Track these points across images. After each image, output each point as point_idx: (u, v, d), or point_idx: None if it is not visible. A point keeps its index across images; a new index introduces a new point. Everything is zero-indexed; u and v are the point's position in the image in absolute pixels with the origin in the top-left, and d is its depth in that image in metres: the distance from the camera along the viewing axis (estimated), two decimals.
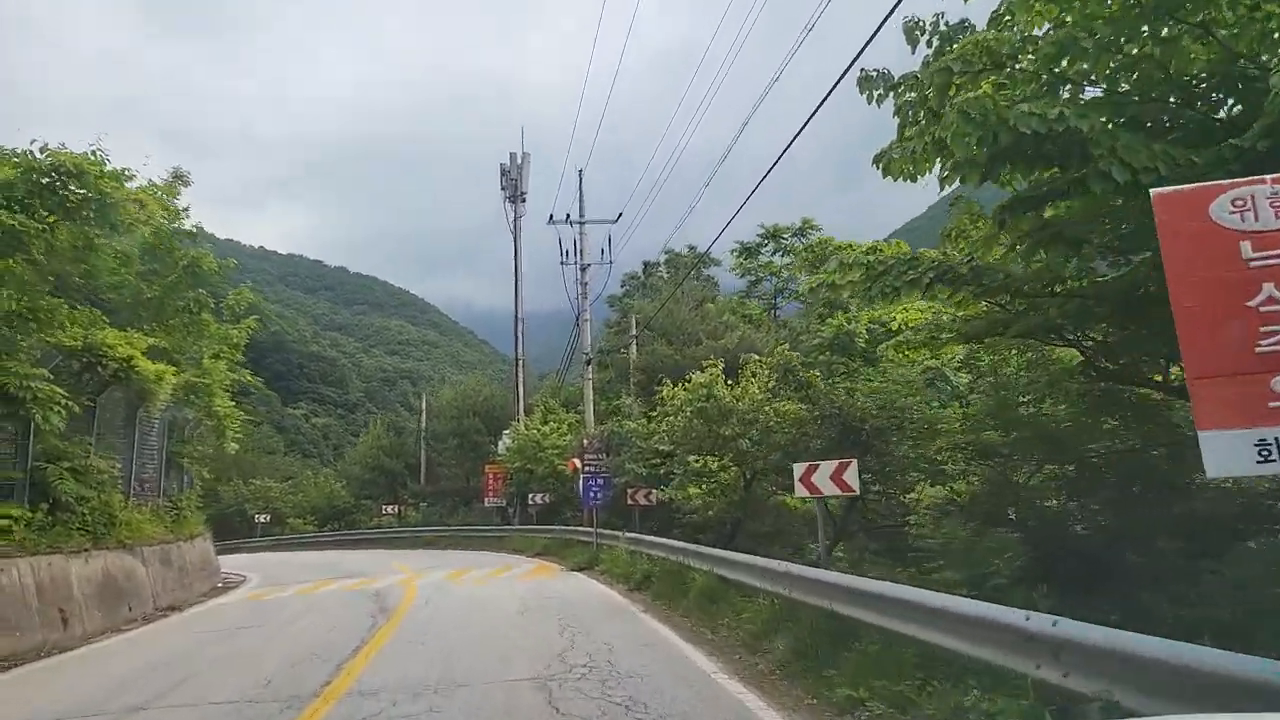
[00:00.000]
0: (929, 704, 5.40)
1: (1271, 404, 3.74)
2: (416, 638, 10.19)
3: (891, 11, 8.88)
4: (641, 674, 7.59)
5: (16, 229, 9.65)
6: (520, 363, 32.45)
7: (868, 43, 9.47)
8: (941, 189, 8.59)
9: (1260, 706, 3.34)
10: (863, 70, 8.06)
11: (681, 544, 13.12)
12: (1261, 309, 3.87)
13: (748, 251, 26.16)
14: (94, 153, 10.76)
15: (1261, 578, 6.98)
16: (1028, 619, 5.17)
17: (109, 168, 10.85)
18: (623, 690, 6.92)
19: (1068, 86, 7.16)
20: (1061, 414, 10.94)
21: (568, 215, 30.45)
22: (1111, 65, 6.68)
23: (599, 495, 20.16)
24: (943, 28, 7.67)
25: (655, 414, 14.14)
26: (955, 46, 7.13)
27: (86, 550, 13.63)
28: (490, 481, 33.25)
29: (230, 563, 29.34)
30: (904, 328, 12.13)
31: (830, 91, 9.83)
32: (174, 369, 15.50)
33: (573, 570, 18.73)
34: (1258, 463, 3.71)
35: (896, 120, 8.18)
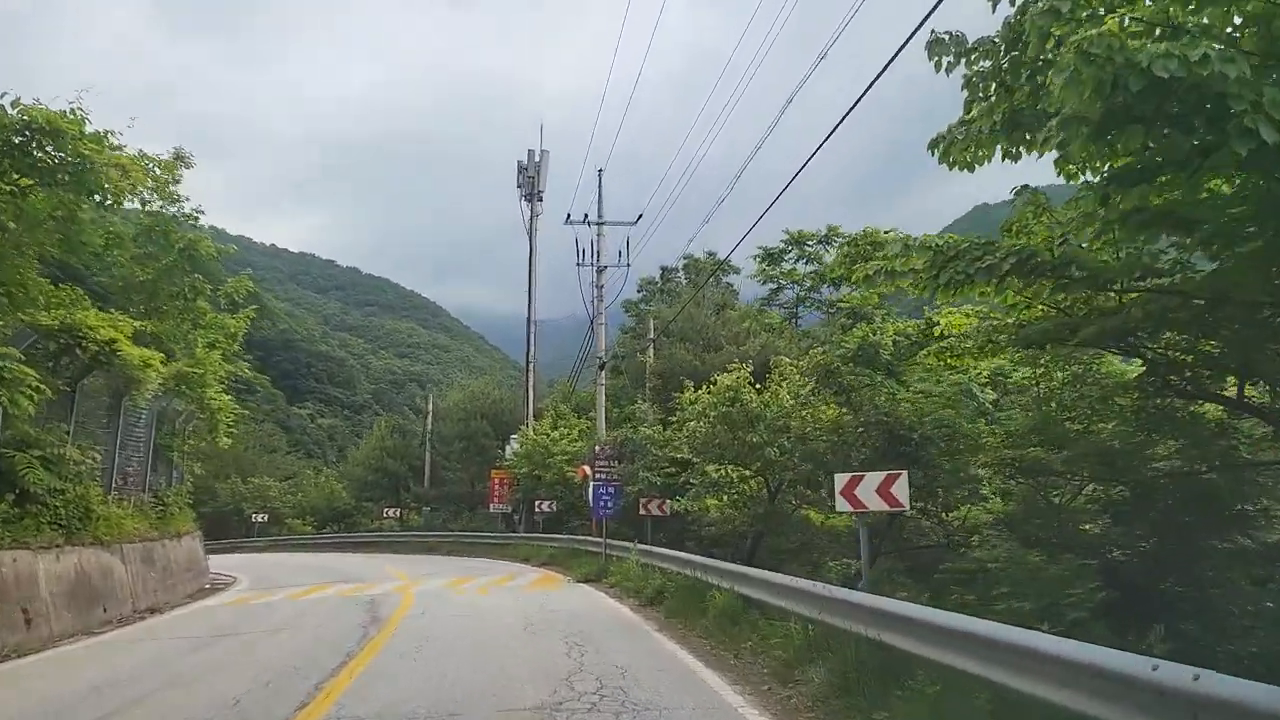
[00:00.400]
0: None
1: None
2: (409, 653, 9.16)
3: (928, 16, 7.94)
4: (660, 705, 6.57)
5: None
6: (532, 365, 31.49)
7: (895, 55, 8.64)
8: (1012, 157, 7.63)
9: None
10: (933, 32, 7.12)
11: (700, 558, 12.07)
12: None
13: (770, 257, 25.14)
14: (73, 111, 9.85)
15: None
16: (1155, 669, 4.09)
17: (90, 129, 9.91)
18: None
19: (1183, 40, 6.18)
20: (1111, 431, 9.96)
21: (585, 216, 29.54)
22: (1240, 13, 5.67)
23: (610, 505, 19.11)
24: None
25: (675, 419, 13.07)
26: None
27: (58, 546, 12.67)
28: (496, 487, 32.23)
29: (223, 563, 28.40)
30: (946, 334, 11.09)
31: (860, 99, 9.20)
32: (162, 356, 14.56)
33: (580, 582, 17.67)
34: None
35: (964, 94, 7.20)
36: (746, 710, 6.54)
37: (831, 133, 10.12)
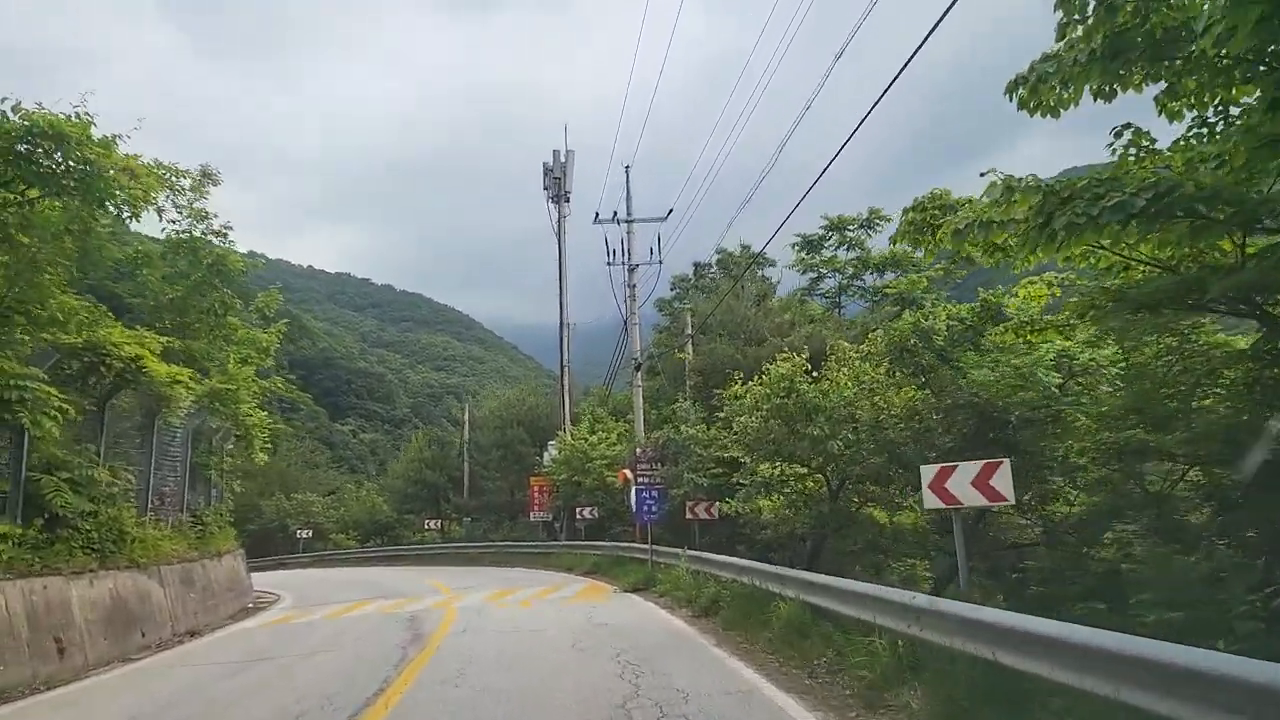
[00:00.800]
0: None
1: None
2: (450, 678, 8.49)
3: (947, 10, 7.73)
4: None
5: None
6: (566, 368, 30.88)
7: (923, 41, 8.22)
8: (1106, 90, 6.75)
9: None
10: None
11: (759, 565, 11.24)
12: None
13: (810, 245, 24.15)
14: (78, 115, 9.41)
15: None
16: None
17: (96, 134, 9.43)
18: None
19: None
20: (1219, 409, 8.92)
21: (614, 214, 28.88)
22: None
23: (654, 509, 18.35)
24: None
25: (721, 415, 12.20)
26: None
27: (91, 571, 12.26)
28: (536, 494, 31.66)
29: (268, 580, 28.23)
30: (1022, 309, 10.17)
31: (892, 81, 8.89)
32: (191, 372, 14.15)
33: (626, 591, 16.92)
34: None
35: (1059, 16, 6.34)
36: None
37: (866, 115, 9.82)
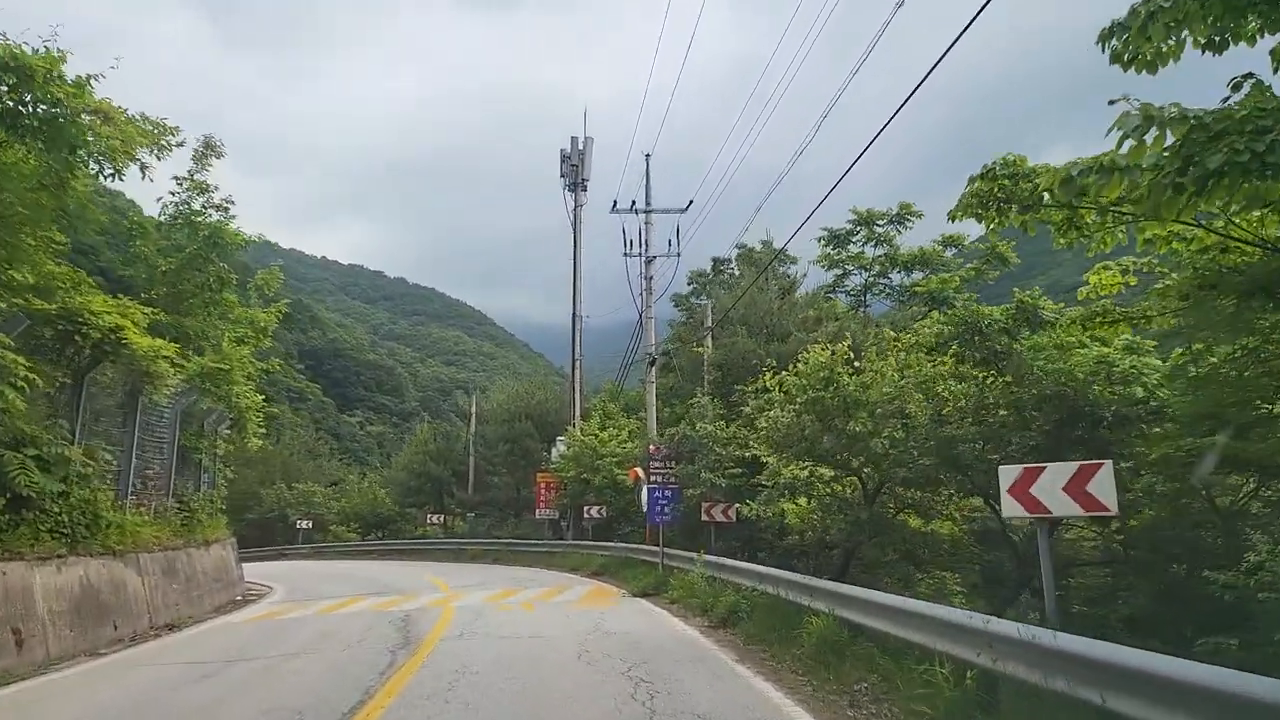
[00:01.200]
0: None
1: None
2: (438, 692, 7.48)
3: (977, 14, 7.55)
4: None
5: None
6: (578, 362, 29.86)
7: (952, 44, 7.88)
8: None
9: None
10: None
11: (786, 574, 10.17)
12: None
13: (836, 239, 23.04)
14: (47, 49, 8.43)
15: None
16: None
17: (66, 73, 8.46)
18: None
19: None
20: None
21: (633, 203, 27.88)
22: None
23: (667, 510, 17.30)
24: None
25: (747, 409, 11.09)
26: None
27: (60, 557, 11.32)
28: (542, 491, 30.63)
29: (265, 571, 27.36)
30: (1093, 297, 9.06)
31: (922, 81, 8.62)
32: (176, 347, 13.20)
33: (635, 596, 15.87)
34: None
35: None
36: None
37: (894, 116, 9.11)
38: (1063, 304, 10.30)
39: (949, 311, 8.02)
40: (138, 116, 11.20)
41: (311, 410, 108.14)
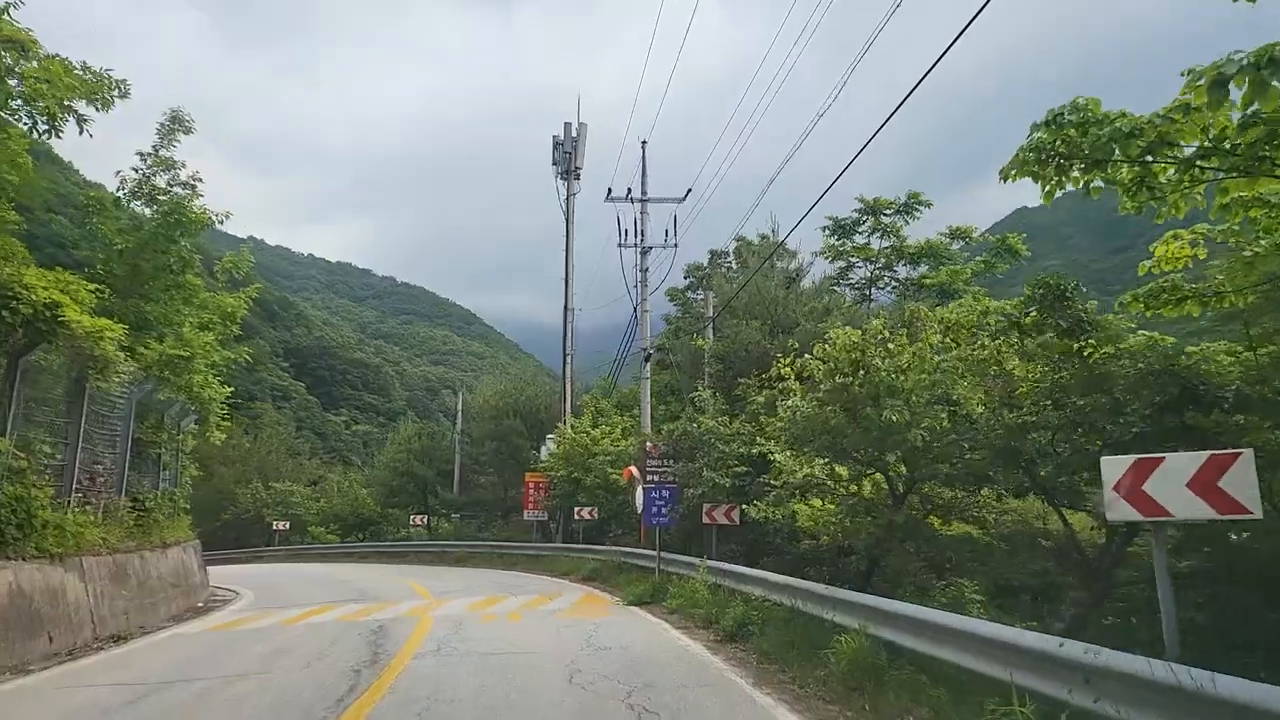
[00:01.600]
0: None
1: None
2: None
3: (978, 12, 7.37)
4: None
5: None
6: (569, 357, 28.62)
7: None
8: None
9: None
10: None
11: (805, 583, 8.98)
12: None
13: (841, 229, 21.87)
14: None
15: None
16: None
17: None
18: None
19: None
20: None
21: (628, 191, 26.68)
22: None
23: (664, 511, 16.08)
24: None
25: (764, 399, 9.84)
26: None
27: None
28: (531, 491, 29.33)
29: (236, 575, 25.98)
30: (1158, 271, 7.93)
31: (926, 74, 8.30)
32: (123, 328, 11.90)
33: (631, 604, 14.63)
34: None
35: None
36: None
37: (901, 103, 8.58)
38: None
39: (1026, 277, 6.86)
40: (78, 66, 9.91)
41: (295, 409, 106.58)
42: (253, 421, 61.68)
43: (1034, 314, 6.49)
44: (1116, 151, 6.38)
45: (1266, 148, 6.23)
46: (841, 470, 9.61)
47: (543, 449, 29.66)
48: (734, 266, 30.04)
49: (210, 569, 26.81)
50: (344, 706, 6.97)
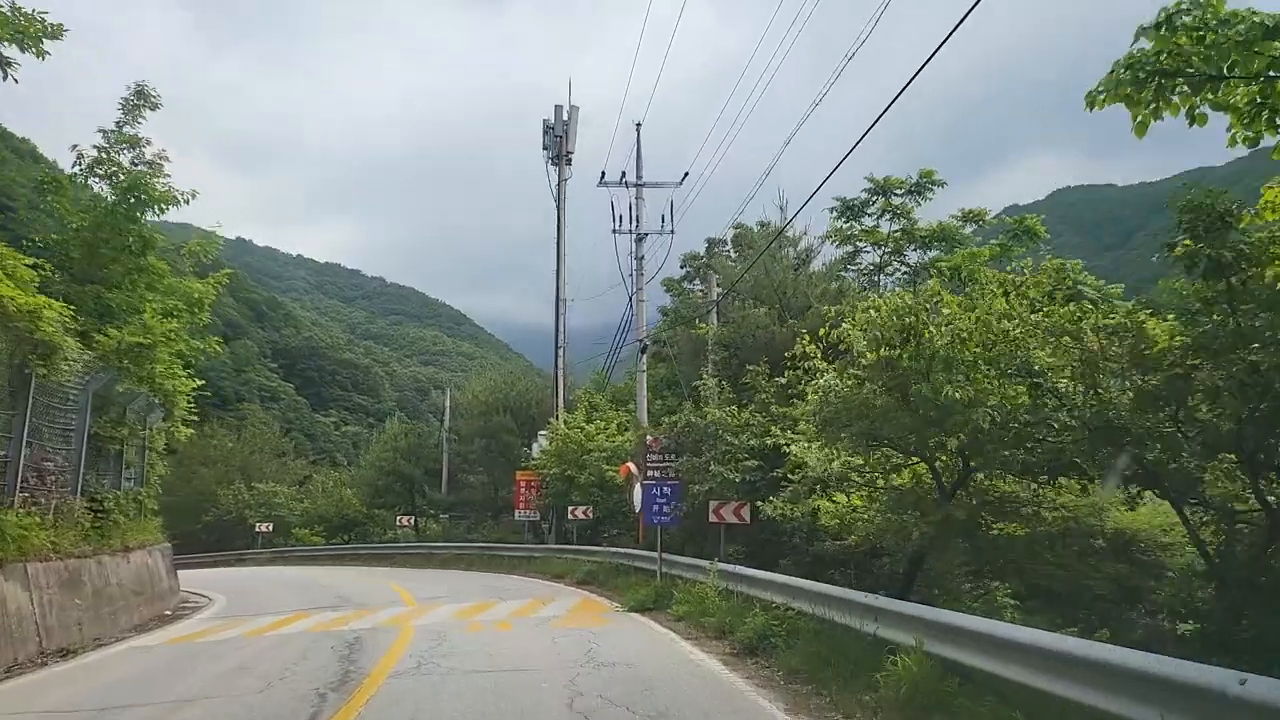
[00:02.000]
0: None
1: None
2: None
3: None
4: None
5: None
6: (562, 350, 27.43)
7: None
8: None
9: None
10: None
11: (845, 592, 7.84)
12: None
13: (850, 210, 20.74)
14: None
15: None
16: None
17: None
18: None
19: None
20: None
21: (623, 175, 25.54)
22: None
23: (666, 510, 14.92)
24: None
25: (786, 380, 8.55)
26: None
27: None
28: (522, 490, 28.10)
29: (213, 580, 24.69)
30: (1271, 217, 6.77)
31: (935, 51, 7.97)
32: (62, 305, 10.68)
33: (631, 611, 13.46)
34: None
35: None
36: None
37: (911, 80, 8.23)
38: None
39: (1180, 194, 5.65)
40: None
41: (284, 410, 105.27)
42: (240, 422, 60.30)
43: (1185, 243, 5.26)
44: (1234, 66, 5.26)
45: None
46: (879, 460, 8.46)
47: (534, 446, 28.45)
48: (733, 256, 28.90)
49: (187, 573, 25.53)
50: None
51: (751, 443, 13.62)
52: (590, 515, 23.48)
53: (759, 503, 12.26)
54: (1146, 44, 5.59)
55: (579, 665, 8.68)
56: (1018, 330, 6.47)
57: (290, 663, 9.32)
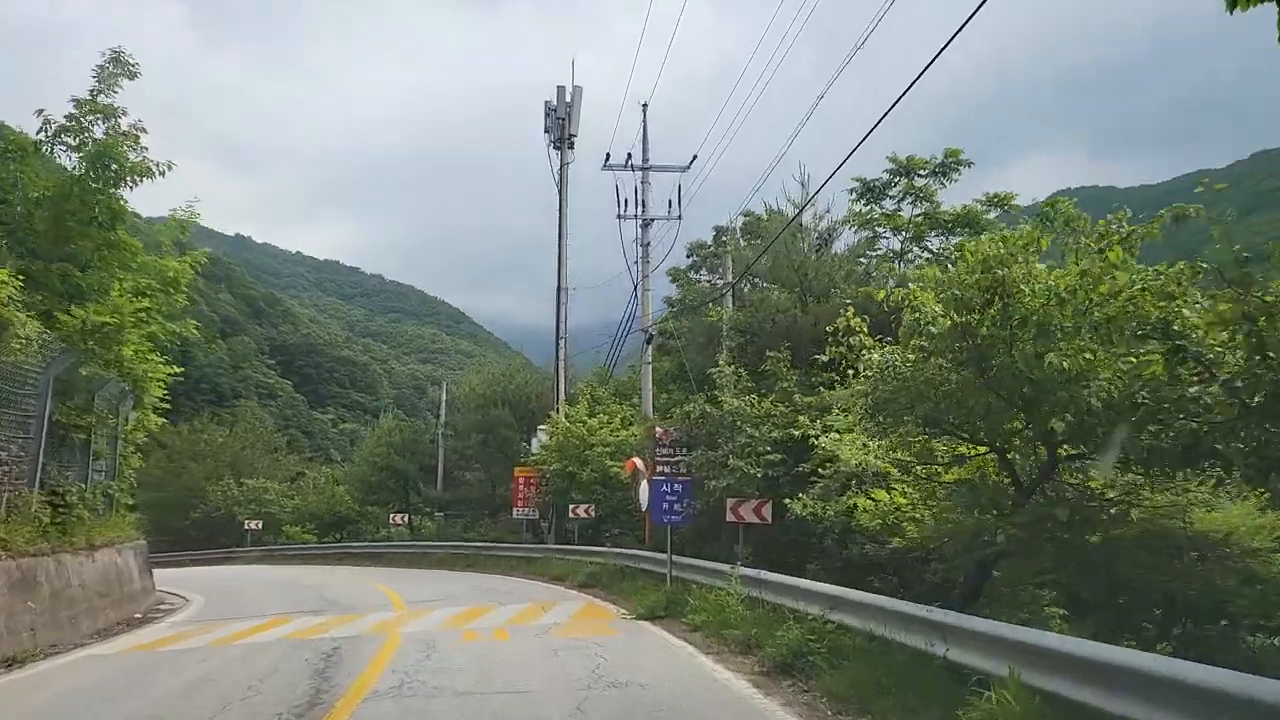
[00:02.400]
0: None
1: None
2: None
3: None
4: None
5: None
6: (563, 340, 26.25)
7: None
8: None
9: None
10: None
11: (907, 606, 6.69)
12: None
13: (870, 192, 19.56)
14: None
15: None
16: None
17: None
18: None
19: None
20: None
21: (628, 157, 24.38)
22: None
23: (677, 508, 13.77)
24: None
25: (830, 355, 7.29)
26: None
27: None
28: (520, 487, 26.92)
29: (194, 579, 23.50)
30: None
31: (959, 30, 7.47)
32: (8, 272, 9.52)
33: (640, 620, 12.27)
34: None
35: None
36: None
37: (933, 60, 7.87)
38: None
39: None
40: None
41: (282, 406, 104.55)
42: (235, 417, 59.24)
43: None
44: None
45: None
46: (937, 450, 7.29)
47: (534, 441, 27.26)
48: (743, 244, 27.73)
49: (170, 573, 24.37)
50: None
51: (774, 435, 12.46)
52: (592, 514, 22.31)
53: (785, 500, 11.08)
54: None
55: (586, 686, 7.52)
56: (1145, 283, 5.15)
57: (257, 678, 8.15)
